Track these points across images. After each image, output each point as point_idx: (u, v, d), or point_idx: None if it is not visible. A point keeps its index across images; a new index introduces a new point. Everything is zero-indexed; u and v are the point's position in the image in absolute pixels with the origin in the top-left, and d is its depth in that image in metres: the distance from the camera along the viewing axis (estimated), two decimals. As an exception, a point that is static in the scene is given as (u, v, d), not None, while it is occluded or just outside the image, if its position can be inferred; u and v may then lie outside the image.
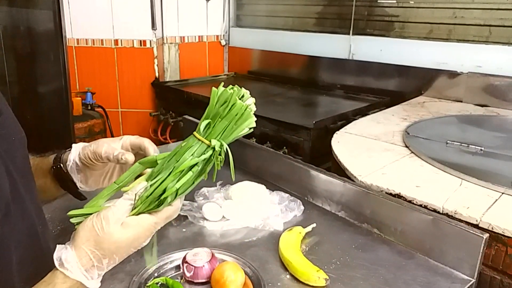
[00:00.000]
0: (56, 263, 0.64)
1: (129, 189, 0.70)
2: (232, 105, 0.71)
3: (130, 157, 0.79)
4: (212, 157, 0.71)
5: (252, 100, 0.74)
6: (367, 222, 1.10)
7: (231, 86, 0.73)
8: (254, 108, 0.74)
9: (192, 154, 0.70)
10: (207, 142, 0.70)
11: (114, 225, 0.66)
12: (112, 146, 0.81)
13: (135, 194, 0.69)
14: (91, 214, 0.68)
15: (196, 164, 0.70)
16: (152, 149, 0.80)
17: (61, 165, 0.84)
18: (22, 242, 0.68)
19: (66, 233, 0.68)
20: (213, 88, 0.74)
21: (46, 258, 0.69)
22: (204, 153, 0.70)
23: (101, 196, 0.75)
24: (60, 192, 0.87)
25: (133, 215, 0.69)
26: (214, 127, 0.72)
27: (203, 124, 0.72)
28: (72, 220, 0.71)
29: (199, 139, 0.71)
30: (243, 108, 0.71)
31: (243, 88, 0.73)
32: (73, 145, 0.85)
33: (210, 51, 3.44)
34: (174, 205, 0.71)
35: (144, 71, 3.08)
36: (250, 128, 0.74)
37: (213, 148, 0.70)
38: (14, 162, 0.68)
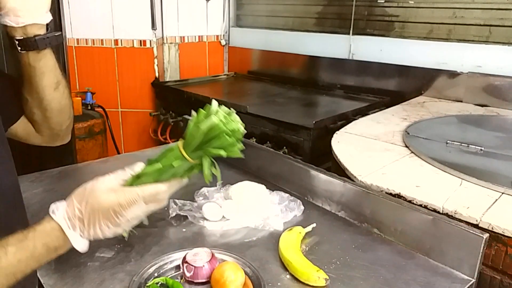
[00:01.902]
0: (50, 210, 0.73)
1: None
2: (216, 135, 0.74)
3: None
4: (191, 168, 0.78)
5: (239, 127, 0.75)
6: (367, 222, 1.10)
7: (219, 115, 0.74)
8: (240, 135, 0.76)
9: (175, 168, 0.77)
10: (187, 157, 0.75)
11: (100, 186, 0.74)
12: None
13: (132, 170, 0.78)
14: None
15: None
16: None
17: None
18: (6, 195, 0.77)
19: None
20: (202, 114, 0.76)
21: (24, 209, 0.81)
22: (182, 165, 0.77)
23: None
24: None
25: None
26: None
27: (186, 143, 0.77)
28: None
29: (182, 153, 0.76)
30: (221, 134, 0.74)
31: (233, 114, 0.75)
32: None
33: (210, 51, 3.44)
34: (159, 185, 0.77)
35: (144, 71, 3.08)
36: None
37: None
38: None
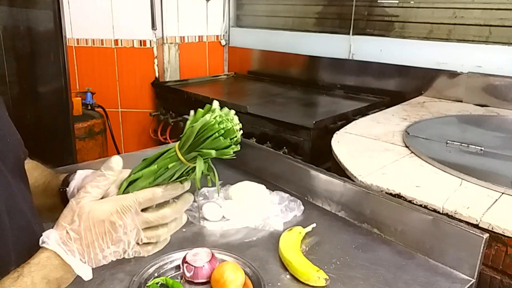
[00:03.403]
0: (40, 242, 0.64)
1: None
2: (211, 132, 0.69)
3: None
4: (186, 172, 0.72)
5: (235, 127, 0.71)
6: (367, 222, 1.10)
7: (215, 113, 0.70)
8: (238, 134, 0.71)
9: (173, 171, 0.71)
10: (182, 158, 0.70)
11: (87, 199, 0.66)
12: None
13: (110, 170, 0.69)
14: None
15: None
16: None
17: (66, 188, 0.84)
18: (20, 240, 0.68)
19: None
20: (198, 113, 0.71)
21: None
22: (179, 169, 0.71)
23: None
24: None
25: None
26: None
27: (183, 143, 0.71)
28: None
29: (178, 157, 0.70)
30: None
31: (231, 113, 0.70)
32: (78, 172, 0.84)
33: (210, 51, 3.44)
34: (154, 188, 0.69)
35: (144, 71, 3.08)
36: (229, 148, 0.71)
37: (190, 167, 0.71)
38: (5, 162, 0.68)
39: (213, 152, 0.68)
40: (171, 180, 0.71)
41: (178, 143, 0.71)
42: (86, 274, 0.65)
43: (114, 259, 0.67)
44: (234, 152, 0.70)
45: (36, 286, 0.61)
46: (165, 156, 0.71)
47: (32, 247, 0.70)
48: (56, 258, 0.63)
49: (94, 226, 0.64)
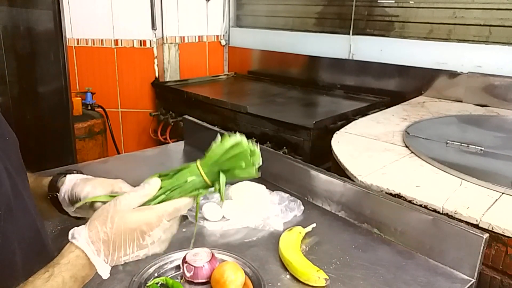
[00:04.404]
0: (70, 236, 0.67)
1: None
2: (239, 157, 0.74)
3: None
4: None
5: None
6: (367, 222, 1.10)
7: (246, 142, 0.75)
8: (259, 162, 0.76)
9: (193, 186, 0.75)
10: (203, 174, 0.74)
11: (124, 206, 0.68)
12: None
13: (150, 190, 0.72)
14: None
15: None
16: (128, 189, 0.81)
17: (57, 194, 0.85)
18: (25, 238, 0.69)
19: (66, 233, 0.69)
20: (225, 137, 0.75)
21: (48, 252, 0.70)
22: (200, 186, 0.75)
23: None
24: (57, 214, 0.88)
25: None
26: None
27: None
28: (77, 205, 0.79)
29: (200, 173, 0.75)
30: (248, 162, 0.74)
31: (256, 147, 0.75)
32: (67, 177, 0.86)
33: (210, 51, 3.44)
34: (182, 199, 0.72)
35: (144, 71, 3.08)
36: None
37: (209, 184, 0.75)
38: (10, 160, 0.69)
39: (239, 171, 0.73)
40: (187, 193, 0.74)
41: (199, 160, 0.75)
42: (106, 273, 0.68)
43: (131, 260, 0.70)
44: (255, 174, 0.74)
45: (66, 285, 0.63)
46: (184, 168, 0.75)
47: (36, 244, 0.71)
48: (83, 258, 0.65)
49: (125, 233, 0.67)
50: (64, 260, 0.65)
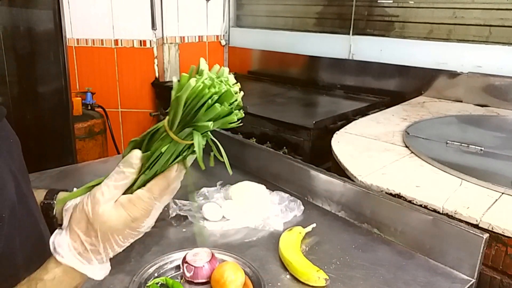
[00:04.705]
0: (51, 248, 0.60)
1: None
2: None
3: None
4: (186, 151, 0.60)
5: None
6: (367, 222, 1.10)
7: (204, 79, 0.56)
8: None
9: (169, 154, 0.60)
10: (174, 137, 0.58)
11: (104, 206, 0.59)
12: None
13: (131, 167, 0.61)
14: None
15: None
16: None
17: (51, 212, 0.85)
18: (28, 241, 0.68)
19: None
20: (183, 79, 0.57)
21: (50, 254, 0.68)
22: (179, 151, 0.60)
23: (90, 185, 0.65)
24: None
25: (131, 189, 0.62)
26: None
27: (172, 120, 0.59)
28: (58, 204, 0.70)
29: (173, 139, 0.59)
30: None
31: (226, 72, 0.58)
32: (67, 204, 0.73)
33: (210, 51, 3.44)
34: (163, 178, 0.61)
35: (144, 71, 3.08)
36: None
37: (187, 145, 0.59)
38: (14, 162, 0.69)
39: (210, 124, 0.55)
40: (170, 163, 0.60)
41: (166, 120, 0.58)
42: (100, 276, 0.63)
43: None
44: (239, 120, 0.58)
45: None
46: (156, 138, 0.60)
47: (38, 246, 0.70)
48: (72, 271, 0.60)
49: (113, 235, 0.60)
50: (48, 276, 0.59)
